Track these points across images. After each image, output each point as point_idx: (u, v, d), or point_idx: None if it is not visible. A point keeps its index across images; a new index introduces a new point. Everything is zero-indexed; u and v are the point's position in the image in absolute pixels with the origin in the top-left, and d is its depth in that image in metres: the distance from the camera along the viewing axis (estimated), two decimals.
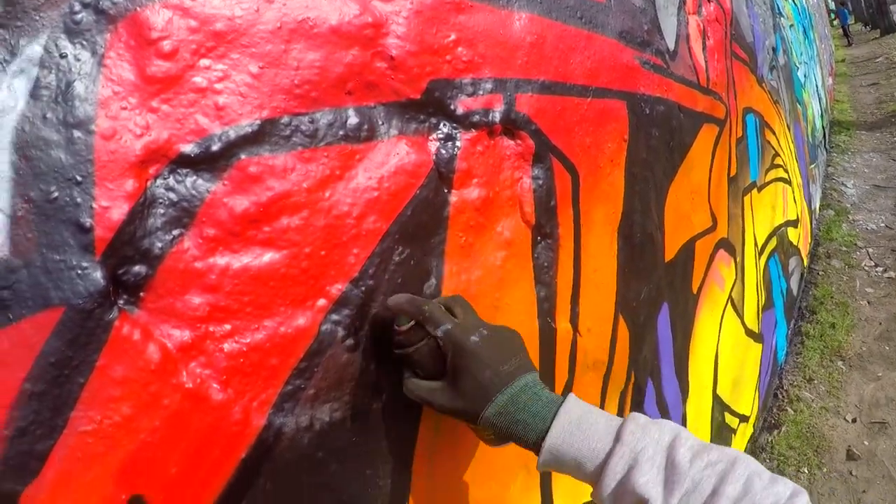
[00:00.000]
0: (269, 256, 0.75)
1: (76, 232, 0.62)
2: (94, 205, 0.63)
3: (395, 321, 0.84)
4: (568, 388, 1.27)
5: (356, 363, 0.84)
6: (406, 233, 0.88)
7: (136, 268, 0.66)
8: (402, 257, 0.87)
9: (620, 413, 1.53)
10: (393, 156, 0.87)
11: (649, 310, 1.64)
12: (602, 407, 1.44)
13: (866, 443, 3.24)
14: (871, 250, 5.26)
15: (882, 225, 5.67)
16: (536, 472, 1.23)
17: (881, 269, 4.95)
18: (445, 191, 0.95)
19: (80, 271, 0.62)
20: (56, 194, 0.61)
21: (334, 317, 0.81)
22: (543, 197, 1.15)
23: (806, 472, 3.10)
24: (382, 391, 0.88)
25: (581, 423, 0.76)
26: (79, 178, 0.62)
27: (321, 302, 0.80)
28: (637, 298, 1.54)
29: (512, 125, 1.08)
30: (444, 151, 0.95)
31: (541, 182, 1.14)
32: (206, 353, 0.71)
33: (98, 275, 0.63)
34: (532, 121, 1.13)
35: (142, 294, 0.67)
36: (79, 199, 0.62)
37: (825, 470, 3.12)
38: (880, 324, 4.22)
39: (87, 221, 0.62)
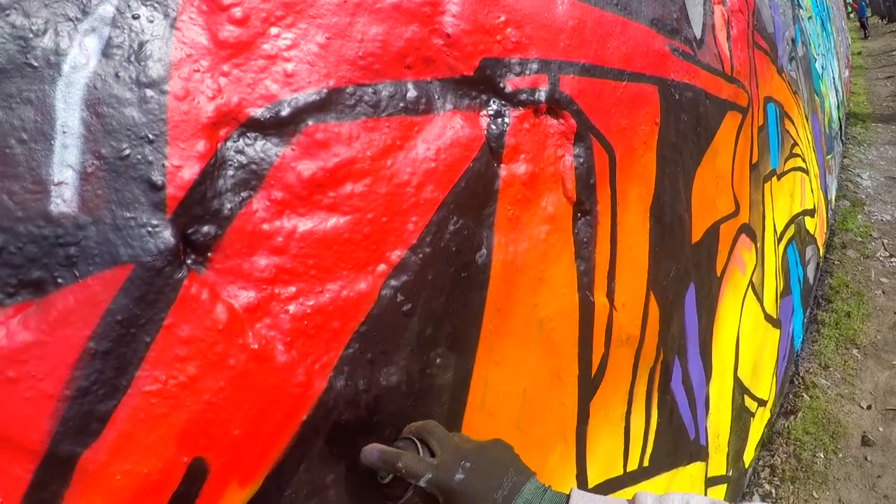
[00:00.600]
0: (333, 221, 0.77)
1: (147, 190, 0.62)
2: (167, 163, 0.64)
3: (377, 473, 0.82)
4: (603, 362, 1.31)
5: (412, 328, 0.87)
6: (460, 203, 0.91)
7: (206, 228, 0.67)
8: (457, 227, 0.91)
9: (649, 392, 1.57)
10: (449, 129, 0.90)
11: (677, 289, 1.67)
12: (632, 385, 1.48)
13: (881, 429, 3.26)
14: (885, 241, 5.25)
15: None
16: (573, 444, 1.27)
17: None
18: (495, 165, 0.98)
19: (150, 229, 0.62)
20: (128, 152, 0.62)
21: (393, 282, 0.83)
22: (584, 175, 1.18)
23: (822, 456, 3.13)
24: (437, 357, 0.91)
25: None
26: (151, 137, 0.63)
27: (381, 267, 0.82)
28: (666, 277, 1.57)
29: (556, 105, 1.12)
30: (494, 127, 0.98)
31: (581, 160, 1.17)
32: (271, 315, 0.72)
33: (168, 233, 0.63)
34: (574, 101, 1.17)
35: (210, 254, 0.67)
36: (151, 158, 0.63)
37: (841, 455, 3.14)
38: (895, 313, 4.24)
39: (159, 179, 0.63)
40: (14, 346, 0.56)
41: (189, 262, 0.66)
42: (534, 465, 1.14)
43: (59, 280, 0.58)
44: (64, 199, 0.59)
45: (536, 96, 1.07)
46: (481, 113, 0.97)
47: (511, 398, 1.06)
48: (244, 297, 0.69)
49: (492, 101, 0.99)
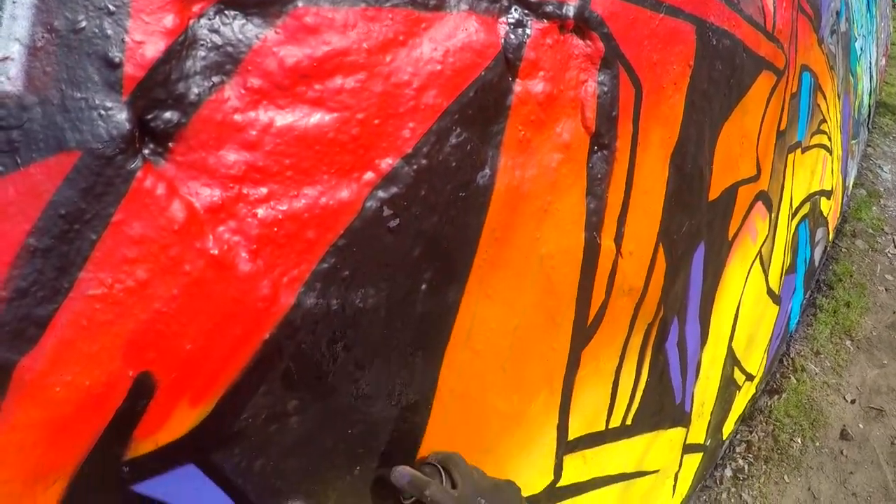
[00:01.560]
0: (317, 117, 0.69)
1: (102, 67, 0.56)
2: (127, 38, 0.57)
3: (400, 492, 0.85)
4: (602, 311, 1.24)
5: (399, 248, 0.80)
6: (466, 115, 0.83)
7: (168, 114, 0.60)
8: (460, 140, 0.82)
9: (643, 349, 1.51)
10: (461, 31, 0.81)
11: (687, 246, 1.59)
12: (627, 339, 1.41)
13: (861, 426, 3.24)
14: None
15: None
16: (558, 392, 1.21)
17: None
18: (510, 79, 0.89)
19: (102, 111, 0.56)
20: (84, 24, 0.55)
21: (381, 193, 0.76)
22: (606, 105, 1.09)
23: (799, 442, 3.11)
24: (422, 283, 0.84)
25: None
26: (112, 8, 0.56)
27: (368, 175, 0.74)
28: (678, 231, 1.49)
29: (584, 24, 1.01)
30: (513, 37, 0.89)
31: (605, 89, 1.08)
32: (236, 218, 0.65)
33: (123, 116, 0.57)
34: (605, 23, 1.06)
35: (171, 144, 0.61)
36: (109, 31, 0.56)
37: (818, 444, 3.12)
38: (894, 313, 4.18)
39: (117, 56, 0.56)
40: None
41: (146, 152, 0.59)
42: (514, 411, 1.09)
43: (0, 168, 0.52)
44: (8, 76, 0.52)
45: (564, 11, 0.97)
46: (500, 20, 0.87)
47: (500, 336, 0.99)
48: (207, 195, 0.63)
49: (513, 9, 0.89)
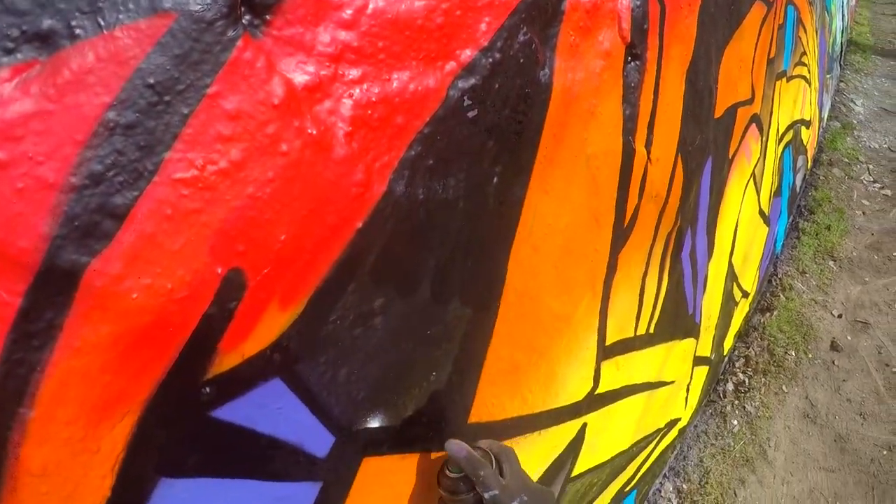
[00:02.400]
0: (407, 2, 0.68)
1: None
2: None
3: (447, 465, 0.88)
4: (635, 214, 1.32)
5: (476, 139, 0.81)
6: (531, 15, 0.87)
7: None
8: (526, 38, 0.86)
9: (664, 257, 1.60)
10: None
11: (699, 159, 1.67)
12: (652, 245, 1.49)
13: (849, 338, 3.41)
14: (871, 167, 5.33)
15: (885, 146, 5.72)
16: (599, 295, 1.29)
17: (879, 185, 5.05)
18: None
19: None
20: None
21: (461, 84, 0.76)
22: (639, 19, 1.15)
23: (793, 354, 3.27)
24: (494, 176, 0.86)
25: None
26: None
27: (451, 65, 0.74)
28: (692, 143, 1.57)
29: None
30: None
31: (638, 3, 1.14)
32: (333, 98, 0.61)
33: None
34: None
35: (269, 17, 0.56)
36: None
37: (811, 356, 3.28)
38: (872, 234, 4.36)
39: None
40: (6, 119, 0.43)
41: (244, 21, 0.54)
42: (565, 312, 1.16)
43: (78, 31, 0.45)
44: None
45: None
46: None
47: (554, 233, 1.05)
48: (304, 72, 0.59)
49: None
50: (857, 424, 2.91)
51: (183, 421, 0.58)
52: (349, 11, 0.62)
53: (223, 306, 0.57)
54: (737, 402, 3.00)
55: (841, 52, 7.07)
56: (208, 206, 0.53)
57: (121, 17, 0.46)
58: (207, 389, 0.59)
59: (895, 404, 2.99)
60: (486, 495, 0.83)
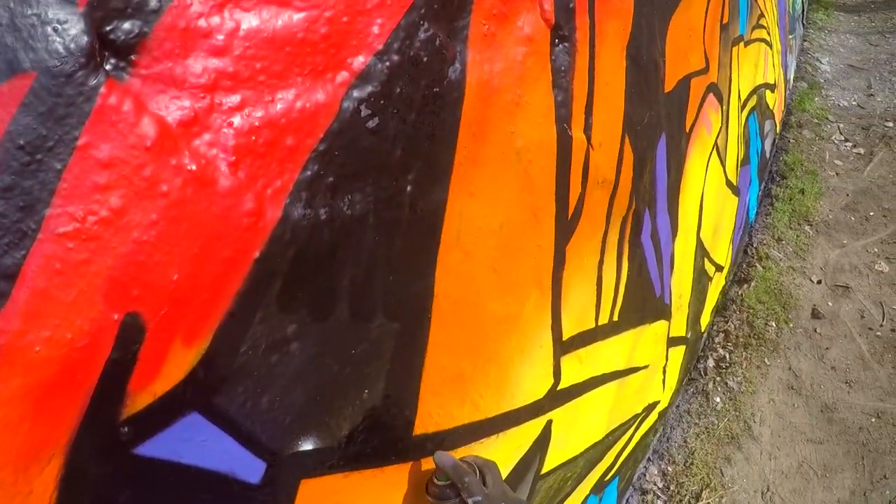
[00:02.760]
0: (285, 17, 0.65)
1: None
2: None
3: (435, 474, 0.96)
4: (580, 202, 1.26)
5: (380, 149, 0.78)
6: (431, 9, 0.81)
7: (128, 24, 0.55)
8: (428, 35, 0.81)
9: (620, 242, 1.54)
10: None
11: (650, 136, 1.62)
12: (605, 232, 1.44)
13: (830, 304, 3.38)
14: (841, 125, 5.30)
15: (854, 103, 5.70)
16: (548, 291, 1.24)
17: (850, 144, 5.02)
18: None
19: (57, 26, 0.50)
20: None
21: (356, 93, 0.73)
22: None
23: (773, 325, 3.23)
24: (407, 185, 0.83)
25: None
26: None
27: (343, 75, 0.71)
28: (641, 122, 1.51)
29: None
30: None
31: None
32: (211, 129, 0.61)
33: (80, 29, 0.51)
34: None
35: (133, 57, 0.55)
36: None
37: (791, 325, 3.25)
38: (847, 195, 4.33)
39: None
40: None
41: (108, 67, 0.54)
42: (509, 312, 1.11)
43: None
44: None
45: None
46: None
47: (487, 235, 1.00)
48: (177, 108, 0.58)
49: None
50: (843, 393, 2.88)
51: (108, 460, 0.60)
52: (220, 37, 0.61)
53: (126, 349, 0.58)
54: (718, 378, 2.97)
55: (802, 10, 7.06)
56: (95, 256, 0.54)
57: None
58: (125, 429, 0.60)
59: (881, 369, 2.96)
60: (469, 501, 0.92)
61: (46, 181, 0.50)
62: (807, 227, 4.01)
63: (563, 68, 1.12)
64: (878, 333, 3.13)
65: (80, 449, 0.56)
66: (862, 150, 4.89)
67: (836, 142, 5.08)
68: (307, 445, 0.80)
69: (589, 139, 1.24)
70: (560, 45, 1.10)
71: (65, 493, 0.56)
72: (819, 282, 3.55)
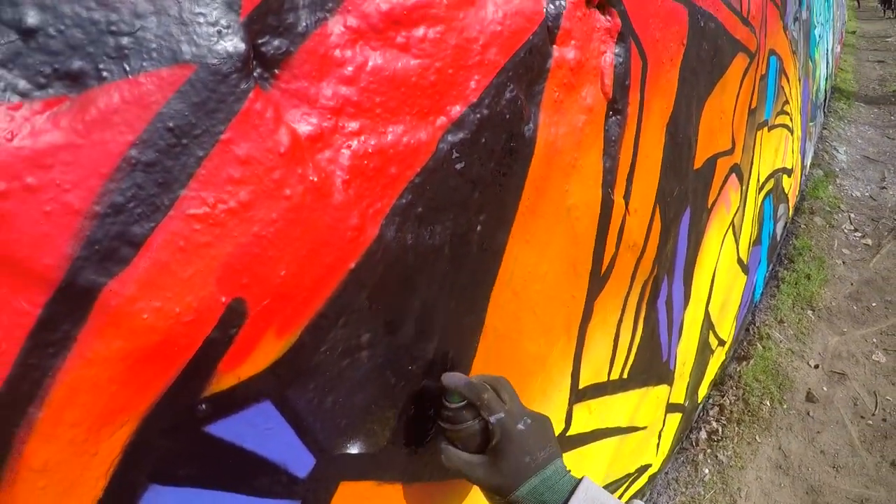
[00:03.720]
0: (403, 61, 0.73)
1: None
2: None
3: (446, 397, 0.88)
4: (612, 262, 1.36)
5: (462, 189, 0.86)
6: (517, 73, 0.91)
7: (278, 41, 0.61)
8: (512, 95, 0.91)
9: (639, 304, 1.63)
10: None
11: (677, 209, 1.72)
12: (628, 293, 1.53)
13: (825, 389, 3.43)
14: (852, 215, 5.41)
15: (867, 194, 5.81)
16: (574, 340, 1.32)
17: (860, 234, 5.11)
18: (549, 45, 0.99)
19: (221, 29, 0.55)
20: None
21: (450, 137, 0.81)
22: (621, 75, 1.20)
23: (768, 404, 3.29)
24: (478, 224, 0.91)
25: (595, 501, 0.82)
26: None
27: (441, 120, 0.79)
28: (671, 195, 1.62)
29: (606, 1, 1.12)
30: (552, 7, 0.98)
31: (621, 60, 1.19)
32: (333, 148, 0.67)
33: (240, 36, 0.56)
34: (622, 2, 1.17)
35: (277, 71, 0.61)
36: None
37: (785, 406, 3.30)
38: (852, 284, 4.40)
39: None
40: (37, 148, 0.46)
41: (255, 75, 0.59)
42: (540, 353, 1.20)
43: (105, 74, 0.49)
44: None
45: None
46: None
47: (534, 280, 1.09)
48: (307, 123, 0.64)
49: None
50: (829, 477, 2.92)
51: (178, 433, 0.62)
52: (350, 68, 0.67)
53: (224, 332, 0.61)
54: (709, 450, 3.01)
55: (825, 98, 7.24)
56: (217, 241, 0.57)
57: (145, 64, 0.51)
58: (203, 406, 0.63)
59: (869, 458, 3.01)
60: (491, 419, 0.85)
61: (187, 165, 0.54)
62: (809, 312, 4.08)
63: (613, 138, 1.22)
64: (870, 422, 3.18)
65: (153, 419, 0.58)
66: (870, 242, 4.98)
67: (845, 231, 5.18)
68: (353, 449, 0.83)
69: (627, 205, 1.34)
70: (613, 117, 1.21)
71: (127, 460, 0.58)
72: (816, 366, 3.61)
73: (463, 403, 0.86)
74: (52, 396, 0.50)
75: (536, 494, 0.83)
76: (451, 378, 0.87)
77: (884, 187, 5.90)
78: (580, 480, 0.85)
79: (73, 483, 0.54)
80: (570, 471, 0.87)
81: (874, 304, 4.14)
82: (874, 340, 3.80)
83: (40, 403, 0.50)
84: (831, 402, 3.33)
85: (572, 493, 0.82)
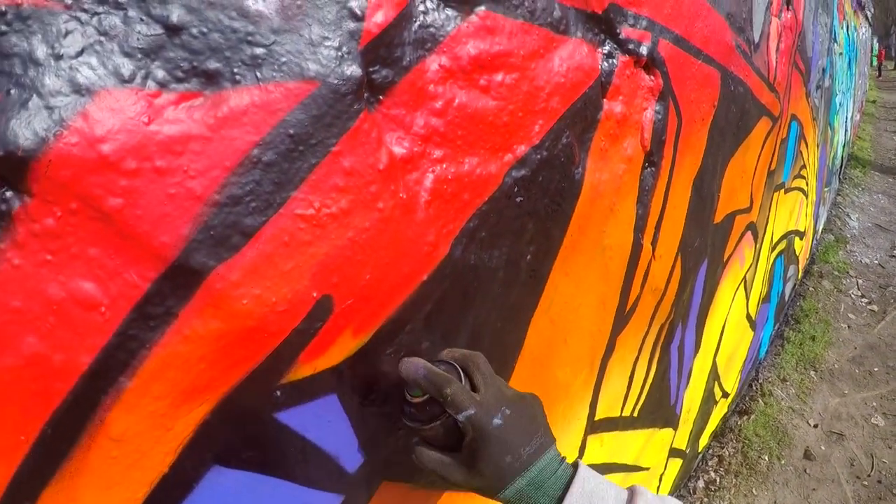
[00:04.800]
0: (483, 102, 0.82)
1: (347, 16, 0.62)
2: None
3: (406, 389, 0.76)
4: (636, 302, 1.44)
5: (518, 220, 0.94)
6: (574, 121, 1.01)
7: (385, 71, 0.68)
8: (567, 141, 1.00)
9: (654, 346, 1.71)
10: (577, 53, 1.00)
11: (696, 259, 1.81)
12: (646, 334, 1.61)
13: (823, 448, 3.48)
14: (860, 281, 5.49)
15: (875, 262, 5.90)
16: (596, 372, 1.40)
17: (866, 300, 5.19)
18: (601, 98, 1.09)
19: (343, 53, 0.62)
20: None
21: (514, 173, 0.90)
22: (658, 130, 1.29)
23: (766, 459, 3.34)
24: (528, 254, 0.99)
25: (593, 496, 0.74)
26: None
27: (508, 156, 0.88)
28: (692, 245, 1.70)
29: (651, 62, 1.22)
30: (605, 65, 1.08)
31: (660, 117, 1.29)
32: (420, 170, 0.74)
33: (358, 62, 0.63)
34: (665, 64, 1.27)
35: (382, 97, 0.68)
36: None
37: (783, 462, 3.35)
38: (855, 348, 4.47)
39: (360, 11, 0.64)
40: (170, 134, 0.51)
41: (365, 97, 0.66)
42: (566, 381, 1.26)
43: (238, 78, 0.55)
44: None
45: (640, 49, 1.17)
46: (599, 49, 1.07)
47: (569, 310, 1.16)
48: (402, 146, 0.71)
49: (607, 42, 1.09)
50: None
51: (250, 416, 0.66)
52: (440, 102, 0.76)
53: (311, 324, 0.66)
54: (706, 499, 3.06)
55: (841, 165, 7.35)
56: (316, 241, 0.63)
57: (275, 74, 0.57)
58: (279, 393, 0.67)
59: None
60: (459, 417, 0.72)
61: (301, 169, 0.60)
62: (812, 373, 4.14)
63: (647, 188, 1.32)
64: (865, 483, 3.22)
65: (231, 400, 0.62)
66: (876, 308, 5.06)
67: (852, 296, 5.26)
68: (396, 451, 0.87)
69: (653, 250, 1.43)
70: (648, 168, 1.31)
71: (197, 438, 0.61)
72: (816, 426, 3.66)
73: (427, 397, 0.74)
74: (144, 368, 0.53)
75: (524, 497, 0.73)
76: (409, 365, 0.74)
77: (893, 255, 6.01)
78: (574, 472, 0.75)
79: (144, 455, 0.57)
80: (564, 458, 0.78)
81: (876, 369, 4.20)
82: (874, 404, 3.85)
83: (132, 374, 0.53)
84: (828, 461, 3.38)
85: (567, 489, 0.73)
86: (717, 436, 3.40)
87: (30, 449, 0.49)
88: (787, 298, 4.53)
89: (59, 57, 0.47)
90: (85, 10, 0.48)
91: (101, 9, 0.49)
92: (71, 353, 0.50)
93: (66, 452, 0.52)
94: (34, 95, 0.46)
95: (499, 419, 0.74)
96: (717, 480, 3.17)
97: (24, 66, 0.45)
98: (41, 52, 0.46)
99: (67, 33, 0.47)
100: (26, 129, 0.45)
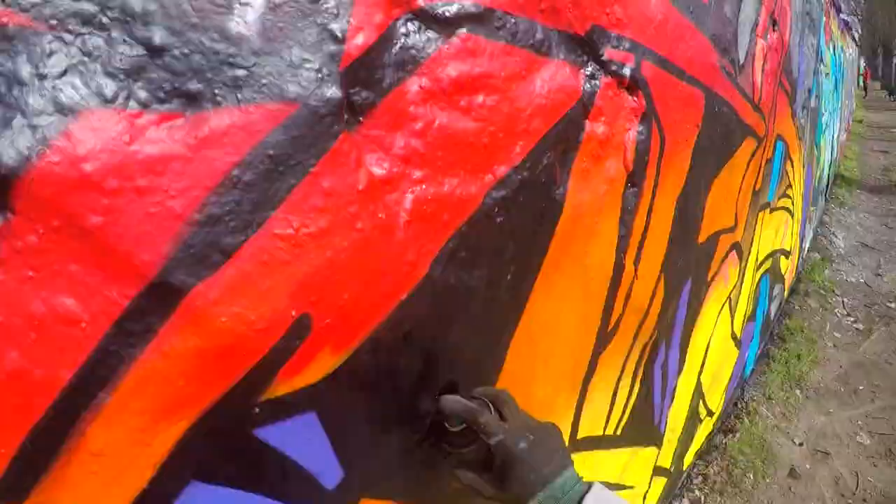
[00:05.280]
0: (464, 123, 0.83)
1: (328, 39, 0.63)
2: (351, 21, 0.65)
3: (447, 421, 0.89)
4: (617, 323, 1.45)
5: (499, 240, 0.95)
6: (555, 143, 1.02)
7: (365, 93, 0.69)
8: (548, 161, 1.02)
9: (637, 366, 1.72)
10: (559, 75, 1.01)
11: (679, 279, 1.82)
12: (628, 354, 1.62)
13: (808, 466, 3.49)
14: (846, 300, 5.53)
15: (861, 280, 5.94)
16: (577, 392, 1.41)
17: (851, 318, 5.22)
18: (583, 119, 1.10)
19: (323, 76, 0.63)
20: None
21: (495, 194, 0.91)
22: (641, 151, 1.31)
23: (751, 477, 3.34)
24: (508, 273, 1.00)
25: None
26: None
27: (488, 177, 0.90)
28: (675, 265, 1.72)
29: (634, 83, 1.24)
30: (588, 86, 1.10)
31: (643, 138, 1.30)
32: (400, 191, 0.75)
33: (338, 85, 0.64)
34: (648, 85, 1.29)
35: (362, 119, 0.69)
36: (338, 11, 0.64)
37: (768, 480, 3.36)
38: (841, 366, 4.49)
39: (341, 34, 0.64)
40: (151, 154, 0.52)
41: (345, 119, 0.67)
42: (547, 401, 1.27)
43: (219, 99, 0.56)
44: (246, 20, 0.58)
45: (623, 71, 1.19)
46: (581, 71, 1.08)
47: (549, 329, 1.17)
48: (381, 167, 0.72)
49: (590, 64, 1.10)
50: None
51: (229, 433, 0.66)
52: (420, 124, 0.77)
53: (289, 343, 0.67)
54: None
55: (827, 184, 7.42)
56: (295, 260, 0.64)
57: (255, 96, 0.58)
58: (257, 410, 0.68)
59: None
60: (491, 442, 0.85)
61: (280, 189, 0.61)
62: (797, 391, 4.15)
63: (629, 208, 1.33)
64: (850, 501, 3.22)
65: (210, 416, 0.62)
66: (861, 326, 5.08)
67: (838, 315, 5.28)
68: (376, 467, 0.89)
69: (636, 270, 1.44)
70: (631, 189, 1.32)
71: (176, 454, 0.61)
72: (801, 444, 3.67)
73: (463, 427, 0.88)
74: (124, 383, 0.54)
75: None
76: (448, 402, 0.89)
77: (879, 274, 6.05)
78: (589, 489, 0.84)
79: (123, 470, 0.57)
80: (581, 478, 0.87)
81: (861, 388, 4.21)
82: (859, 422, 3.86)
83: (111, 389, 0.53)
84: (813, 480, 3.39)
85: (580, 502, 0.82)
86: (702, 454, 3.40)
87: (9, 463, 0.49)
88: (772, 317, 4.56)
89: (42, 77, 0.48)
90: (69, 31, 0.49)
91: (84, 29, 0.50)
92: (51, 367, 0.50)
93: (46, 467, 0.52)
94: (18, 114, 0.47)
95: (524, 443, 0.85)
96: (702, 499, 3.17)
97: (8, 85, 0.46)
98: (25, 71, 0.47)
99: (51, 53, 0.49)
100: (10, 147, 0.46)
